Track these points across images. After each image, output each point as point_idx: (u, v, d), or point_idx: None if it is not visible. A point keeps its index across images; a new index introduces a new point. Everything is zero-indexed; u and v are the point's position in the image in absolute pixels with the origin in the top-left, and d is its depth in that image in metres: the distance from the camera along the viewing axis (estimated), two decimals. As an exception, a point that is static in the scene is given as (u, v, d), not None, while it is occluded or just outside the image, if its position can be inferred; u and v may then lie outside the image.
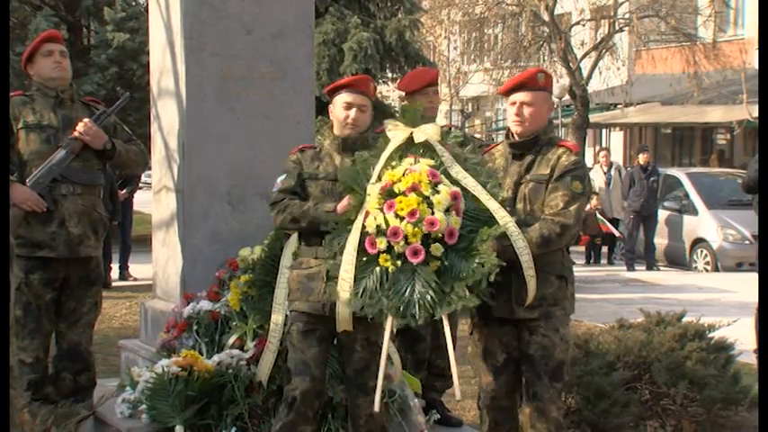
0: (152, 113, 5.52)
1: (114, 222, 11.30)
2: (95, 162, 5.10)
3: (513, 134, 4.33)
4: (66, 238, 4.98)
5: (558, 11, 23.04)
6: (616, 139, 28.55)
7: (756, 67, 17.29)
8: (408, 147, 4.16)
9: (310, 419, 4.25)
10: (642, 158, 14.50)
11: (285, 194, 4.29)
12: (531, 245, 4.04)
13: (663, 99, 24.42)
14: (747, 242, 13.63)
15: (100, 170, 5.16)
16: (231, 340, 4.73)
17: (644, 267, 14.16)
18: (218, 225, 5.09)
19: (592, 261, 14.92)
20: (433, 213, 3.91)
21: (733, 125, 20.95)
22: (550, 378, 4.19)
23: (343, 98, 4.34)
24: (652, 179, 14.21)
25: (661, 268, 14.57)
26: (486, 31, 24.90)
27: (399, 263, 3.93)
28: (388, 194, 4.00)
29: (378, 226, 3.94)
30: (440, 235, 3.93)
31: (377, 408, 4.03)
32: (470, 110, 34.52)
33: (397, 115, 4.44)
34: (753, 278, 6.66)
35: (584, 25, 24.38)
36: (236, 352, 4.65)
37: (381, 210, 3.97)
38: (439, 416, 5.20)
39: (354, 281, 3.99)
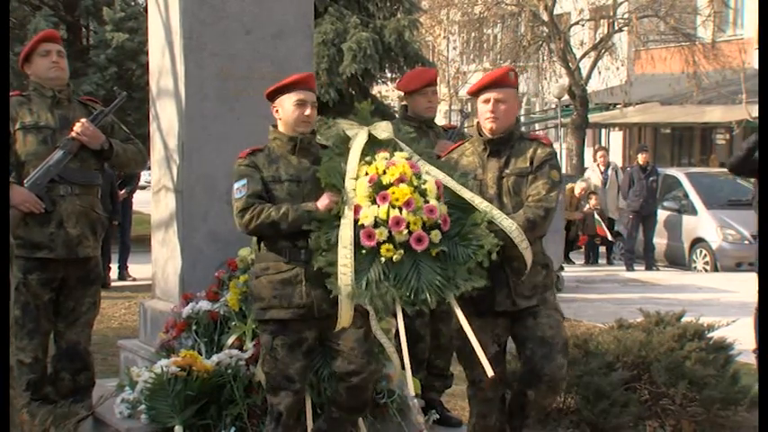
0: (151, 113, 5.51)
1: (114, 222, 11.31)
2: (93, 162, 5.09)
3: (485, 131, 4.47)
4: (64, 238, 4.97)
5: (557, 11, 23.07)
6: (615, 139, 28.55)
7: (756, 66, 17.30)
8: (372, 143, 4.26)
9: (296, 427, 4.33)
10: (641, 158, 14.49)
11: (254, 199, 4.18)
12: (522, 228, 4.22)
13: (662, 99, 24.43)
14: (747, 242, 13.63)
15: (98, 170, 5.15)
16: (230, 340, 4.73)
17: (643, 267, 14.16)
18: (217, 225, 5.09)
19: (591, 261, 14.91)
20: (426, 202, 4.07)
21: (732, 125, 20.95)
22: (563, 355, 4.37)
23: (293, 96, 4.27)
24: (651, 179, 14.21)
25: (660, 268, 14.56)
26: (485, 30, 24.92)
27: (402, 252, 4.02)
28: (378, 187, 4.08)
29: (375, 218, 4.01)
30: (438, 222, 4.08)
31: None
32: (469, 109, 34.44)
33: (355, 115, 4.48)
34: (752, 278, 6.65)
35: (583, 25, 24.42)
36: (235, 352, 4.65)
37: (374, 202, 4.04)
38: (438, 416, 5.20)
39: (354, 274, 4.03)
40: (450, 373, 5.53)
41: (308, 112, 4.29)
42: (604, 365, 5.52)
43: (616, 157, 26.27)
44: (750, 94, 18.79)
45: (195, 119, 5.10)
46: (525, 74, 24.73)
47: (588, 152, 22.26)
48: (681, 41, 22.63)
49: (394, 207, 4.03)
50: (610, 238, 14.75)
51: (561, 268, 11.64)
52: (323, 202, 4.15)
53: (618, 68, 23.79)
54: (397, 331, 5.19)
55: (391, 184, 4.07)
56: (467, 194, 4.22)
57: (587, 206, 14.49)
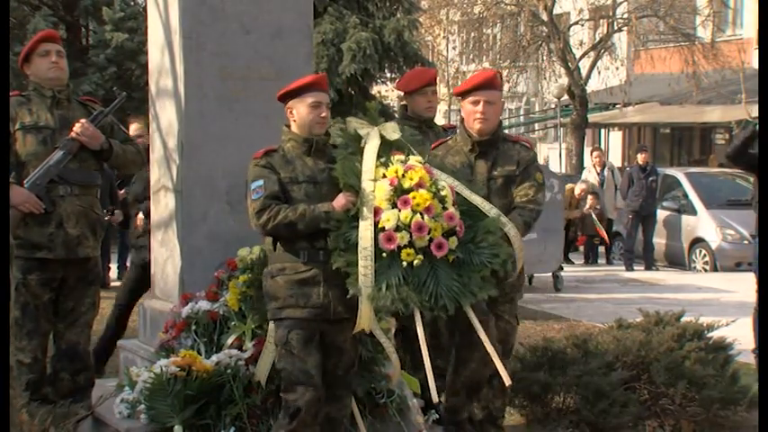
0: (151, 113, 5.51)
1: (114, 218, 11.28)
2: (93, 162, 5.09)
3: (473, 132, 4.56)
4: (64, 238, 4.97)
5: (556, 11, 23.08)
6: (615, 139, 28.55)
7: (755, 66, 17.31)
8: (384, 144, 4.30)
9: (312, 426, 4.27)
10: (641, 158, 14.49)
11: (271, 200, 4.20)
12: (519, 232, 4.40)
13: (661, 99, 24.43)
14: (746, 242, 13.61)
15: (97, 170, 5.15)
16: (230, 340, 4.72)
17: (643, 267, 14.15)
18: (216, 225, 5.08)
19: (590, 261, 14.91)
20: (445, 209, 4.14)
21: (732, 125, 20.94)
22: (507, 359, 4.66)
23: (308, 99, 4.30)
24: (651, 179, 14.20)
25: (660, 268, 14.56)
26: (484, 30, 24.91)
27: (421, 257, 4.07)
28: (398, 191, 4.12)
29: (398, 222, 4.05)
30: (457, 228, 4.16)
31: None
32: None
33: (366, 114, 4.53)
34: (751, 278, 6.66)
35: (582, 25, 24.42)
36: (234, 352, 4.65)
37: (394, 206, 4.07)
38: (438, 416, 5.20)
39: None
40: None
41: (323, 113, 4.32)
42: (604, 365, 5.52)
43: (615, 156, 26.28)
44: (749, 94, 18.77)
45: (194, 119, 5.10)
46: (525, 74, 24.77)
47: (588, 152, 22.27)
48: (680, 41, 22.63)
49: (415, 212, 4.06)
50: (605, 238, 14.75)
51: (561, 268, 11.64)
52: (339, 202, 4.17)
53: (617, 68, 23.79)
54: (406, 333, 5.21)
55: (411, 189, 4.11)
56: (477, 200, 4.31)
57: (586, 206, 14.50)
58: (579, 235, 14.69)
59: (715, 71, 21.73)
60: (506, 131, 5.03)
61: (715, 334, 5.95)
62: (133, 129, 7.26)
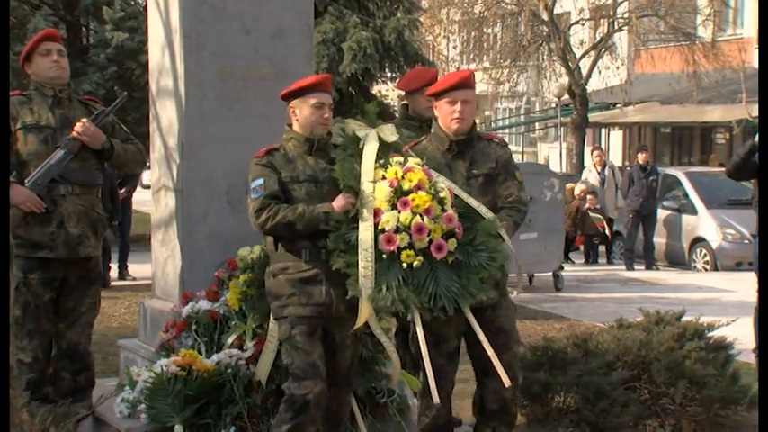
0: (151, 113, 5.51)
1: (114, 222, 11.31)
2: (94, 162, 5.09)
3: (450, 132, 4.56)
4: (65, 238, 4.97)
5: (557, 10, 23.08)
6: (615, 139, 28.56)
7: (756, 66, 17.30)
8: (382, 146, 4.32)
9: (318, 420, 4.26)
10: (641, 158, 14.49)
11: (271, 200, 4.21)
12: (509, 233, 4.43)
13: (662, 98, 24.43)
14: (746, 241, 13.61)
15: (98, 170, 5.15)
16: (230, 340, 4.73)
17: (643, 267, 14.15)
18: (217, 224, 5.09)
19: (591, 260, 14.91)
20: (444, 210, 4.16)
21: (732, 124, 20.95)
22: (517, 345, 4.63)
23: (312, 99, 4.31)
24: (651, 178, 14.20)
25: (660, 268, 14.56)
26: (485, 30, 24.92)
27: (421, 258, 4.09)
28: (398, 193, 4.14)
29: (398, 223, 4.06)
30: (456, 230, 4.18)
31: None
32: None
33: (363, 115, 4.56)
34: (752, 277, 6.66)
35: (583, 24, 24.42)
36: (235, 351, 4.65)
37: (394, 207, 4.10)
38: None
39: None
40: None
41: (326, 115, 4.34)
42: (604, 365, 5.52)
43: (616, 156, 26.28)
44: (750, 94, 18.79)
45: (195, 118, 5.10)
46: (525, 73, 24.77)
47: (588, 151, 22.27)
48: (681, 41, 22.63)
49: (415, 214, 4.08)
50: (607, 232, 14.75)
51: (561, 268, 11.64)
52: (339, 203, 4.18)
53: (618, 68, 23.79)
54: (400, 332, 5.22)
55: (410, 191, 4.13)
56: (473, 203, 4.35)
57: (586, 205, 14.51)
58: (578, 234, 14.69)
59: (715, 71, 21.73)
60: (500, 131, 5.05)
61: (715, 333, 5.94)
62: None
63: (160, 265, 5.40)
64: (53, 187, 4.94)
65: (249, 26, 5.19)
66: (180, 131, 5.12)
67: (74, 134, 4.96)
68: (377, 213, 4.11)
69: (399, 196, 4.14)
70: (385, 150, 4.30)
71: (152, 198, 5.52)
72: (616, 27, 23.10)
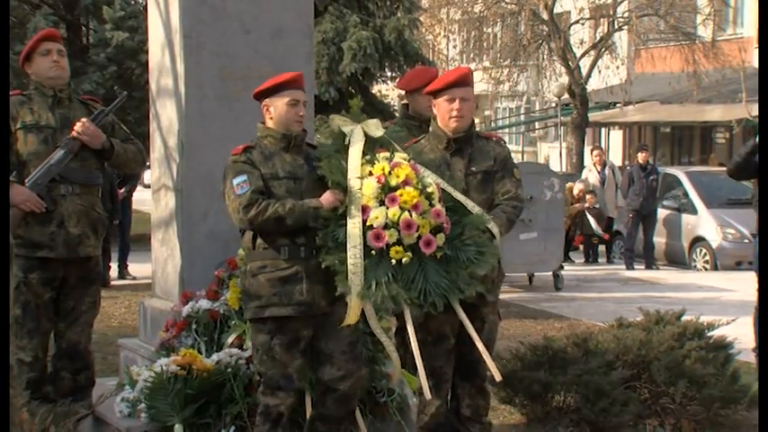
0: (151, 112, 5.51)
1: (114, 221, 11.31)
2: (94, 161, 5.09)
3: (448, 130, 4.56)
4: (65, 238, 4.97)
5: (557, 9, 23.08)
6: (615, 138, 28.56)
7: (756, 65, 17.30)
8: (368, 142, 4.29)
9: (292, 428, 4.32)
10: (641, 157, 14.49)
11: (258, 195, 4.16)
12: (503, 228, 4.43)
13: (662, 98, 24.43)
14: (746, 241, 13.61)
15: (98, 170, 5.15)
16: (230, 339, 4.73)
17: (643, 266, 14.15)
18: (217, 224, 5.08)
19: (591, 260, 14.91)
20: (432, 205, 4.14)
21: (732, 124, 20.95)
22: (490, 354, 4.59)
23: (286, 96, 4.29)
24: (651, 178, 14.20)
25: (660, 267, 14.55)
26: (485, 29, 24.93)
27: (410, 254, 4.07)
28: (385, 188, 4.11)
29: (386, 219, 4.04)
30: (444, 225, 4.15)
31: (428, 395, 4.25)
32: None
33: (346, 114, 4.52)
34: (752, 277, 6.66)
35: (583, 24, 24.43)
36: (235, 351, 4.65)
37: (382, 203, 4.07)
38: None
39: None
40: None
41: (301, 112, 4.32)
42: (604, 364, 5.52)
43: (616, 155, 26.28)
44: (750, 93, 18.79)
45: (195, 118, 5.10)
46: (525, 73, 24.77)
47: (588, 151, 22.28)
48: (681, 40, 22.63)
49: (403, 210, 4.06)
50: (602, 234, 14.76)
51: (561, 267, 11.64)
52: (327, 199, 4.16)
53: (618, 67, 23.79)
54: (400, 331, 5.23)
55: (398, 187, 4.11)
56: (460, 197, 4.34)
57: (585, 205, 14.51)
58: (577, 234, 14.69)
59: (715, 70, 21.73)
60: (500, 130, 5.05)
61: (715, 333, 5.94)
62: None
63: (160, 264, 5.40)
64: (53, 187, 4.94)
65: (249, 26, 5.19)
66: (180, 131, 5.12)
67: (74, 134, 4.96)
68: (365, 210, 4.08)
69: (387, 192, 4.10)
70: (371, 146, 4.27)
71: (152, 198, 5.52)
72: (616, 26, 23.10)
